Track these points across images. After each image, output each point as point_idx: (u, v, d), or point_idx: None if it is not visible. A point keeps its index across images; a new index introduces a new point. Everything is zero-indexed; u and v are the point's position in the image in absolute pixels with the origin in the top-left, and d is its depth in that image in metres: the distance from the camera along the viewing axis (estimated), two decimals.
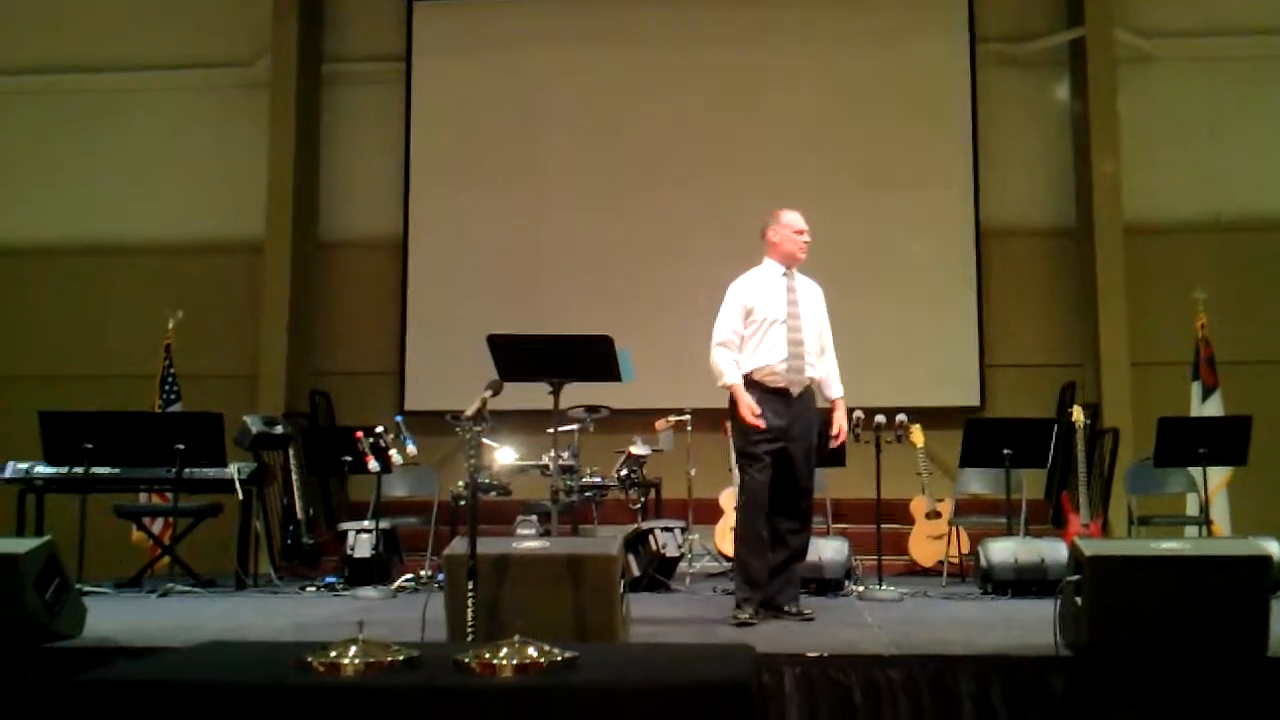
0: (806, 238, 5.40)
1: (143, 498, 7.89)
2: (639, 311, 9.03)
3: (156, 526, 7.94)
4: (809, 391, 5.34)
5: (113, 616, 5.17)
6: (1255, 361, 8.83)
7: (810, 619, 5.11)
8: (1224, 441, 6.78)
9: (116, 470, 6.94)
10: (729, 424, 5.45)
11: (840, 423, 5.44)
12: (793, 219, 5.43)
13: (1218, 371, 8.42)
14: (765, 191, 9.38)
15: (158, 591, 6.41)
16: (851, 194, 9.41)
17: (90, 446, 6.56)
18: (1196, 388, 8.45)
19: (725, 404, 5.36)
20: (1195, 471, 7.03)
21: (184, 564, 7.10)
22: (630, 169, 9.69)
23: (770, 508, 5.21)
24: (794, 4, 9.76)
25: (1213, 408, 8.29)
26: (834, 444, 5.43)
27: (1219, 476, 7.78)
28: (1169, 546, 3.95)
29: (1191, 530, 7.57)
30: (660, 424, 7.13)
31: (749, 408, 5.14)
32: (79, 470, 6.60)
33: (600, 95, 9.82)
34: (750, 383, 5.24)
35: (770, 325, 5.26)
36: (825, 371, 5.47)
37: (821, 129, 9.61)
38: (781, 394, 5.22)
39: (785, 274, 5.39)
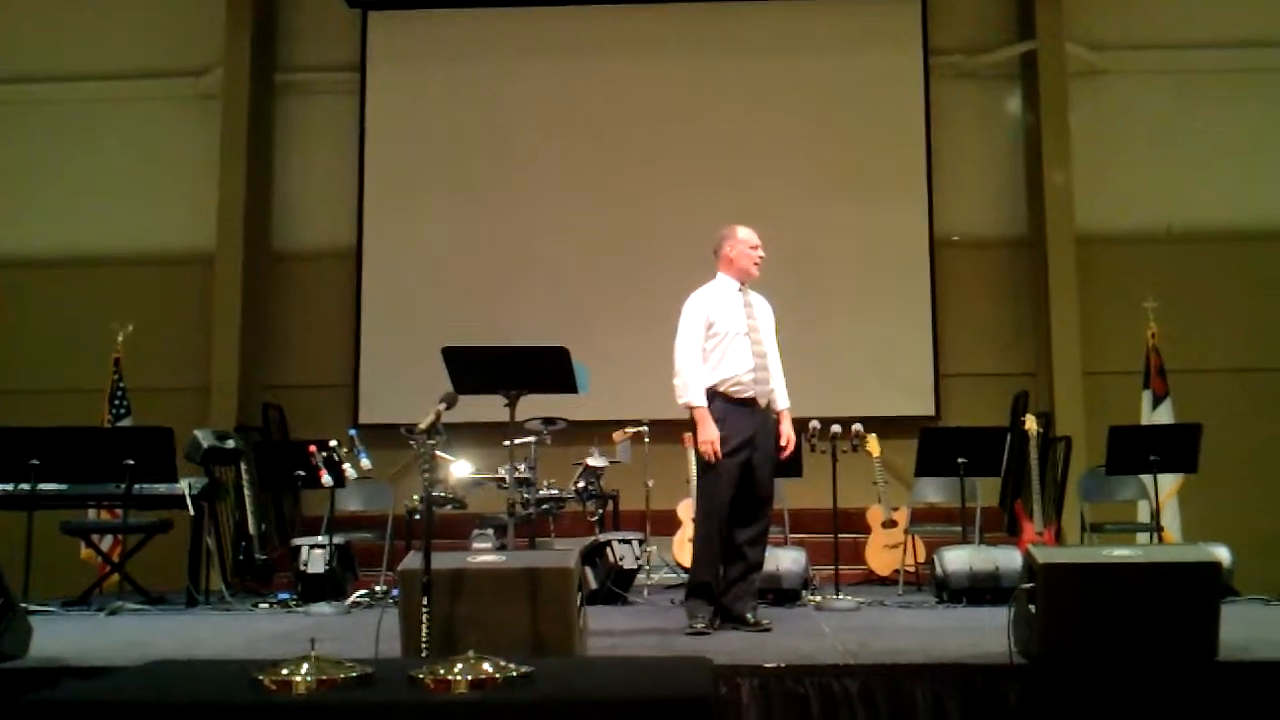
0: (761, 254, 5.48)
1: (91, 514, 7.76)
2: (597, 323, 9.02)
3: (105, 544, 7.81)
4: (771, 409, 5.40)
5: (60, 636, 5.08)
6: (1205, 370, 8.95)
7: (768, 629, 5.12)
8: (1174, 449, 6.85)
9: (64, 487, 6.83)
10: (689, 436, 5.45)
11: (788, 433, 5.45)
12: (748, 235, 5.50)
13: (1168, 380, 8.53)
14: (722, 202, 9.43)
15: (107, 610, 6.30)
16: (806, 204, 9.46)
17: (37, 463, 6.44)
18: (1147, 396, 8.55)
19: (683, 416, 5.38)
20: (1147, 479, 7.11)
21: (134, 581, 6.99)
22: (587, 180, 9.68)
23: (730, 518, 5.24)
24: (749, 15, 9.80)
25: (1163, 416, 8.40)
26: (784, 455, 5.44)
27: (1170, 484, 7.87)
28: (1121, 554, 3.99)
29: (1143, 537, 7.65)
30: (618, 436, 7.12)
31: (709, 442, 5.16)
32: (25, 487, 6.47)
33: (557, 106, 9.80)
34: (716, 394, 5.27)
35: (733, 338, 5.31)
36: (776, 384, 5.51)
37: (776, 140, 9.65)
38: (748, 404, 5.28)
39: (740, 289, 5.46)
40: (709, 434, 5.18)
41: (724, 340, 5.30)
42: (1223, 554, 5.98)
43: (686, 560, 6.89)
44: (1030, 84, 9.67)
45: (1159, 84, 9.69)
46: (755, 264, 5.46)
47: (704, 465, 5.27)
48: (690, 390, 5.27)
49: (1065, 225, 9.29)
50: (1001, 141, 9.87)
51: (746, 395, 5.27)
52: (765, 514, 5.36)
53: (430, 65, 9.95)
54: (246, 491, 7.71)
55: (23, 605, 4.68)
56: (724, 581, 5.25)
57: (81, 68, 9.99)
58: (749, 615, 5.21)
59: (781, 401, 5.50)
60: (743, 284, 5.47)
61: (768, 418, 5.36)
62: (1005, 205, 9.76)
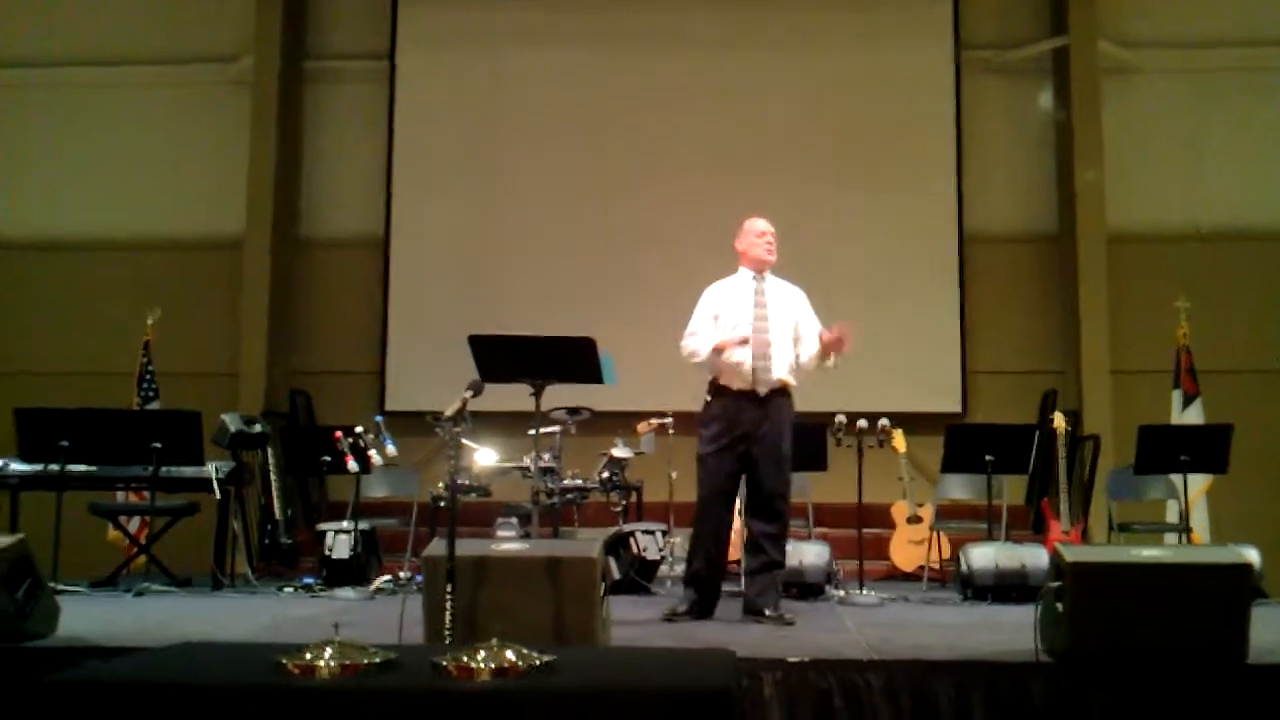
0: (769, 239, 5.50)
1: (119, 496, 7.80)
2: (622, 313, 9.00)
3: (133, 525, 7.86)
4: (780, 394, 5.36)
5: (87, 616, 5.11)
6: (1235, 370, 8.86)
7: (791, 623, 5.10)
8: (1205, 449, 6.79)
9: (93, 468, 6.88)
10: None
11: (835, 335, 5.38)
12: (754, 224, 5.55)
13: (1198, 380, 8.45)
14: (749, 194, 9.37)
15: (133, 591, 6.34)
16: (835, 198, 9.43)
17: (66, 444, 6.47)
18: (1177, 396, 8.48)
19: None
20: (1176, 479, 7.04)
21: (160, 563, 7.03)
22: (614, 169, 9.67)
23: (748, 511, 5.33)
24: (779, 7, 9.76)
25: (1193, 416, 8.33)
26: (837, 338, 5.37)
27: (1199, 484, 7.80)
28: (1150, 554, 3.96)
29: (1171, 538, 7.59)
30: (642, 427, 7.11)
31: (726, 343, 5.23)
32: (55, 467, 6.51)
33: (585, 95, 9.79)
34: (718, 388, 5.33)
35: (737, 329, 5.32)
36: (807, 356, 5.47)
37: (805, 133, 9.61)
38: (749, 396, 5.28)
39: (755, 278, 5.48)
40: (726, 342, 5.24)
41: (728, 332, 5.33)
42: (1253, 556, 5.90)
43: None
44: (1062, 80, 9.58)
45: (1191, 82, 9.60)
46: (766, 250, 5.48)
47: (697, 458, 5.36)
48: (698, 349, 5.35)
49: (1096, 223, 9.21)
50: (1032, 138, 9.79)
51: (745, 386, 5.28)
52: (778, 509, 5.33)
53: (460, 53, 9.95)
54: (273, 476, 7.75)
55: (50, 585, 4.72)
56: (745, 573, 5.29)
57: (114, 53, 10.04)
58: (768, 610, 5.19)
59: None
60: (759, 274, 5.48)
61: (778, 409, 5.33)
62: (1035, 202, 9.68)
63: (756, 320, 5.35)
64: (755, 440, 5.26)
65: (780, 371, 5.33)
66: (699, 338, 5.39)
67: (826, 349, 5.39)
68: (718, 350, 5.27)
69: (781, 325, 5.40)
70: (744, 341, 5.23)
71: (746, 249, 5.51)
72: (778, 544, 5.34)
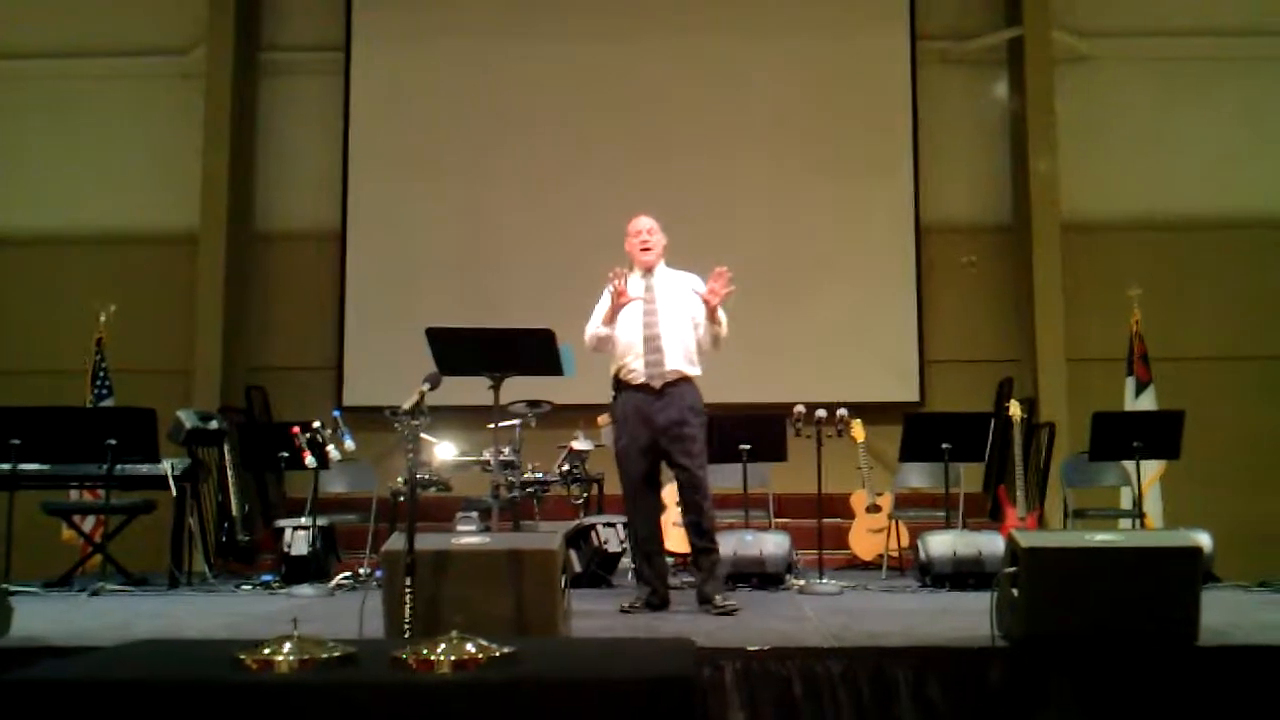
0: (643, 238, 5.59)
1: (73, 495, 7.71)
2: (581, 305, 8.97)
3: (87, 524, 7.77)
4: (680, 385, 5.41)
5: (42, 616, 5.05)
6: (1187, 358, 8.99)
7: (730, 613, 5.12)
8: (1157, 436, 6.88)
9: (46, 467, 6.80)
10: None
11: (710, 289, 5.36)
12: (633, 224, 5.66)
13: (1151, 367, 8.56)
14: (708, 182, 9.46)
15: (89, 591, 6.27)
16: (791, 188, 9.48)
17: (18, 442, 6.38)
18: (1130, 383, 8.59)
19: None
20: (1129, 465, 7.13)
21: (116, 562, 6.96)
22: (571, 161, 9.65)
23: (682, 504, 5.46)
24: None
25: (1146, 403, 8.44)
26: (716, 292, 5.34)
27: (1152, 470, 7.91)
28: (1103, 539, 4.00)
29: (1125, 523, 7.68)
30: (602, 419, 7.10)
31: (612, 287, 5.37)
32: (6, 467, 6.40)
33: (543, 84, 9.76)
34: (618, 383, 5.49)
35: (626, 326, 5.45)
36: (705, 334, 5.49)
37: (762, 122, 9.64)
38: (645, 390, 5.39)
39: (644, 276, 5.57)
40: (612, 289, 5.38)
41: (622, 330, 5.45)
42: (1204, 540, 5.99)
43: (671, 544, 6.90)
44: (1016, 70, 9.68)
45: (1145, 71, 9.71)
46: (640, 248, 5.58)
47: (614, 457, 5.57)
48: (590, 328, 5.52)
49: (1050, 212, 9.32)
50: (988, 127, 9.88)
51: (640, 380, 5.39)
52: (694, 500, 5.37)
53: (415, 45, 9.89)
54: (229, 473, 7.68)
55: (4, 586, 4.66)
56: (652, 569, 5.42)
57: (64, 45, 9.90)
58: (716, 598, 5.24)
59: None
60: (647, 271, 5.57)
61: (680, 397, 5.38)
62: (991, 191, 9.77)
63: (646, 316, 5.44)
64: (660, 431, 5.35)
65: (675, 363, 5.41)
66: (590, 322, 5.53)
67: (710, 308, 5.39)
68: (605, 321, 5.43)
69: (672, 317, 5.45)
70: (619, 294, 5.33)
71: (629, 250, 5.64)
72: (700, 531, 5.38)
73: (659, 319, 5.42)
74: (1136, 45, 9.70)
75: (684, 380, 5.42)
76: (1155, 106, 9.64)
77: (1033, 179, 9.32)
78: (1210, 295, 9.35)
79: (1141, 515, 7.39)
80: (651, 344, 5.39)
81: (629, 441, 5.42)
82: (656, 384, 5.37)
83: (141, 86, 9.97)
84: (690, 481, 5.37)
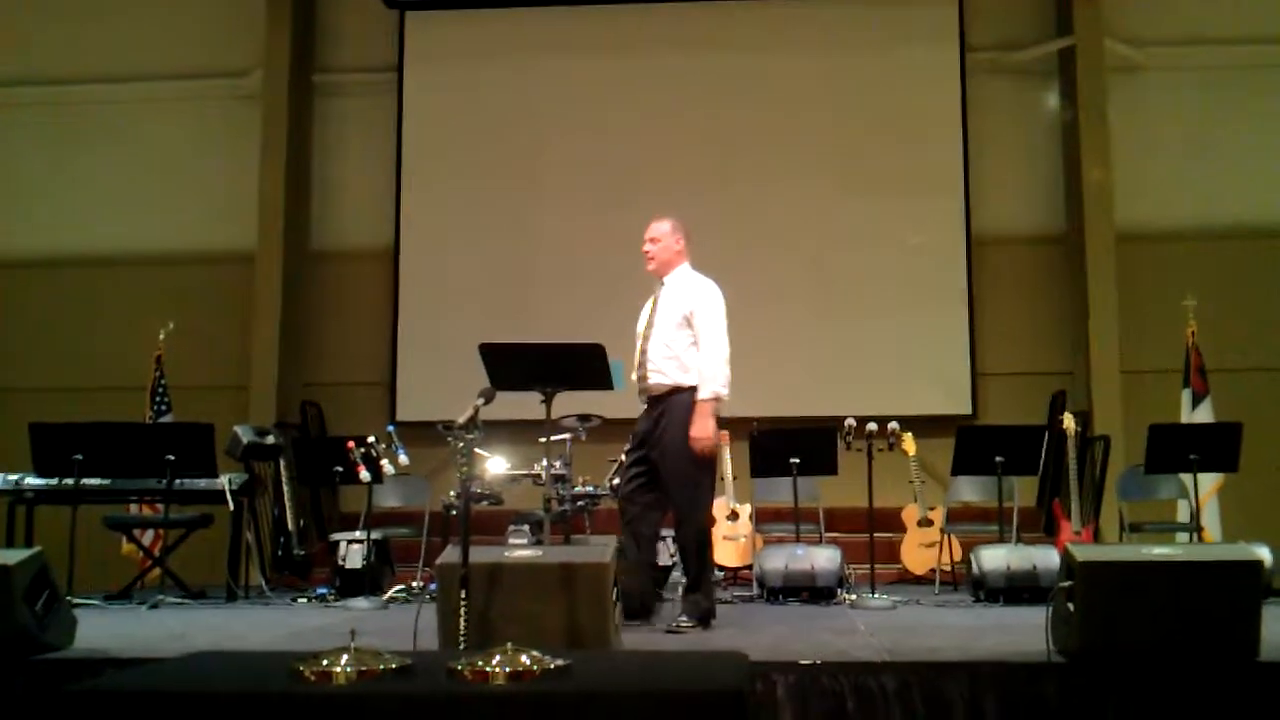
0: (646, 246, 5.60)
1: (133, 509, 7.85)
2: (633, 320, 9.00)
3: (147, 538, 7.91)
4: (671, 401, 5.33)
5: (103, 628, 5.15)
6: (1245, 369, 8.86)
7: (677, 633, 5.03)
8: (1215, 448, 6.79)
9: (107, 481, 6.93)
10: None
11: (695, 431, 5.21)
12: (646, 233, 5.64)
13: (1208, 379, 8.44)
14: (759, 198, 9.47)
15: (148, 603, 6.38)
16: (843, 201, 9.44)
17: (80, 458, 6.50)
18: (1187, 395, 8.46)
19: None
20: (1186, 478, 7.04)
21: (174, 576, 7.08)
22: (624, 177, 9.67)
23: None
24: (786, 12, 9.78)
25: (1203, 414, 8.30)
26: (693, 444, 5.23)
27: (1210, 483, 7.79)
28: (1160, 552, 3.96)
29: (1182, 536, 7.57)
30: None
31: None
32: (69, 482, 6.55)
33: (594, 103, 9.82)
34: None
35: (636, 339, 5.54)
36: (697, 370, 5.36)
37: (812, 137, 9.62)
38: (647, 403, 5.45)
39: (658, 285, 5.60)
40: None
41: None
42: (1264, 553, 5.89)
43: (721, 558, 6.90)
44: (1068, 80, 9.59)
45: (1198, 80, 9.58)
46: (646, 258, 5.60)
47: None
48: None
49: (1104, 222, 9.20)
50: (1039, 138, 9.79)
51: (641, 395, 5.46)
52: (680, 518, 5.32)
53: (467, 65, 9.99)
54: (285, 487, 7.78)
55: (67, 598, 4.75)
56: (632, 583, 5.14)
57: (123, 70, 10.11)
58: (682, 618, 5.15)
59: (700, 391, 5.27)
60: (659, 279, 5.60)
61: (664, 412, 5.33)
62: (1043, 202, 9.68)
63: (645, 328, 5.50)
64: (651, 445, 5.35)
65: (659, 376, 5.38)
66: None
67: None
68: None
69: (664, 328, 5.43)
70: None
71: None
72: (686, 555, 5.33)
73: (653, 331, 5.45)
74: (1188, 54, 9.58)
75: (676, 391, 5.34)
76: (1207, 115, 9.51)
77: (1086, 189, 9.23)
78: (1266, 305, 9.19)
79: (1199, 529, 7.29)
80: (640, 357, 5.45)
81: (628, 453, 5.48)
82: (643, 396, 5.44)
83: (199, 108, 10.16)
84: (679, 501, 5.30)
